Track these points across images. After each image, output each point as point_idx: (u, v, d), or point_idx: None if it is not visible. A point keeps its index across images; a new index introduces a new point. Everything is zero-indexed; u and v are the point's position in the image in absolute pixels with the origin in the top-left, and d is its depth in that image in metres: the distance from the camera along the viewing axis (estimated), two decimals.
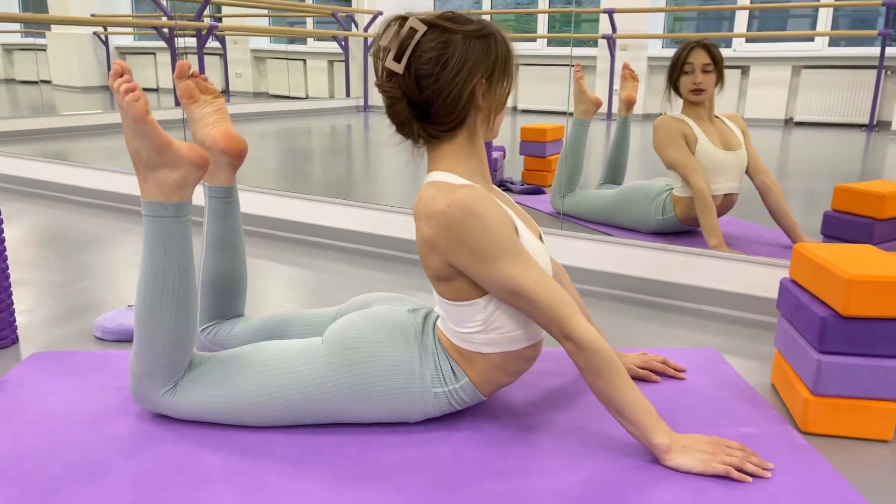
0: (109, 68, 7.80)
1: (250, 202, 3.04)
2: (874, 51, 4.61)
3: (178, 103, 1.67)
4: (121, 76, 1.30)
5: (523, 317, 1.34)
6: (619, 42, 5.06)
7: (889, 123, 4.61)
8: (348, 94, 6.68)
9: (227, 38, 7.04)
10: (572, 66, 2.98)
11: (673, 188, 2.67)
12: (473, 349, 1.36)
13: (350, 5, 6.62)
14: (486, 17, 1.35)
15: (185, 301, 1.36)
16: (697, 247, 2.28)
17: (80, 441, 1.35)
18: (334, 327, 1.42)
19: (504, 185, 3.58)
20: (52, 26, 8.14)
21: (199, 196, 1.75)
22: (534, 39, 5.63)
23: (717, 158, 2.57)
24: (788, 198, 2.59)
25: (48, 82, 8.07)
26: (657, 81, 2.79)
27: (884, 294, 1.35)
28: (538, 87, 5.37)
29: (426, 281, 2.39)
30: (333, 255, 2.73)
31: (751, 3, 5.13)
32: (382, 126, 1.38)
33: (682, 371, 1.69)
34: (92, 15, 7.43)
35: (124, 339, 1.87)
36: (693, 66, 2.56)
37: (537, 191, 3.48)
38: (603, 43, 5.07)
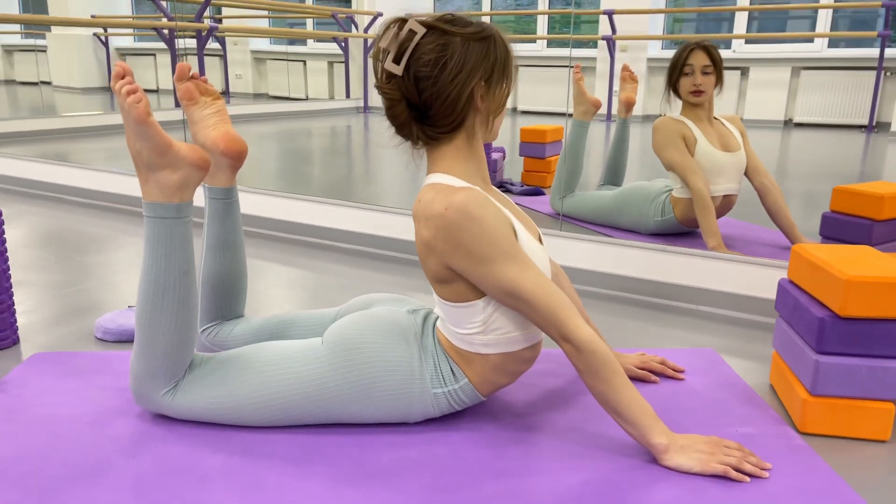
0: (109, 69, 7.83)
1: (250, 203, 3.04)
2: (873, 52, 4.61)
3: (178, 104, 1.68)
4: (122, 78, 1.30)
5: (522, 318, 1.34)
6: (618, 43, 5.06)
7: (888, 124, 4.61)
8: (348, 96, 6.68)
9: (227, 39, 7.05)
10: (572, 67, 2.99)
11: (672, 189, 2.68)
12: (473, 350, 1.37)
13: (350, 6, 6.62)
14: (486, 19, 1.36)
15: (186, 302, 1.36)
16: (696, 248, 2.29)
17: (80, 441, 1.36)
18: (334, 328, 1.43)
19: (504, 186, 3.59)
20: (53, 27, 8.14)
21: (199, 197, 1.76)
22: (533, 40, 5.63)
23: (717, 160, 2.57)
24: (788, 199, 2.59)
25: (48, 83, 8.07)
26: (657, 83, 2.80)
27: (881, 295, 1.35)
28: (538, 89, 5.37)
29: (426, 282, 2.40)
30: (333, 256, 2.74)
31: (750, 4, 5.14)
32: (382, 127, 1.39)
33: (681, 371, 1.70)
34: (92, 16, 7.43)
35: (125, 339, 1.88)
36: (693, 68, 2.57)
37: (537, 192, 3.48)
38: (602, 44, 5.07)
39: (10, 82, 8.58)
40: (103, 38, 8.08)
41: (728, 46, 5.16)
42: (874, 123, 4.64)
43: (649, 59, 5.11)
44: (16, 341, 1.85)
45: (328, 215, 2.91)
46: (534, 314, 1.28)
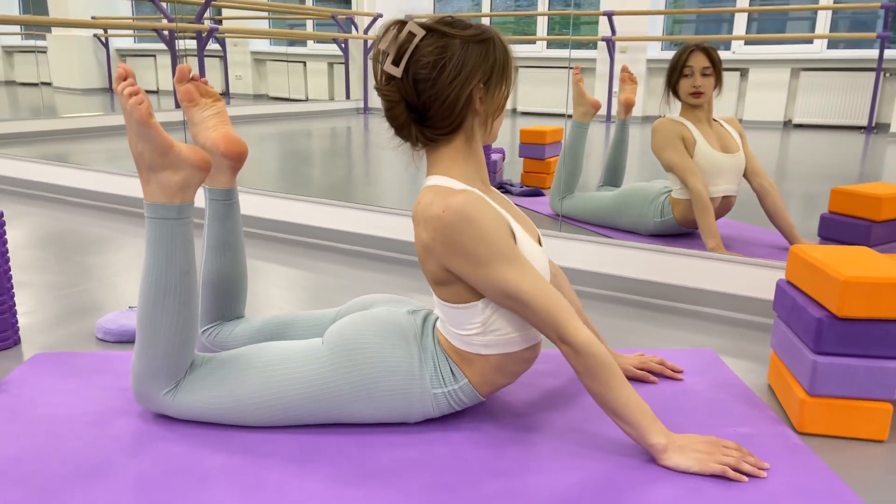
0: (110, 70, 7.83)
1: (250, 204, 3.05)
2: (873, 53, 4.62)
3: (178, 105, 1.68)
4: (125, 80, 1.31)
5: (521, 319, 1.35)
6: (618, 44, 5.07)
7: (888, 125, 4.62)
8: (348, 97, 6.69)
9: (227, 40, 7.05)
10: (571, 68, 2.99)
11: (671, 190, 2.68)
12: (472, 351, 1.38)
13: (350, 8, 6.63)
14: (486, 20, 1.37)
15: (187, 302, 1.37)
16: (695, 249, 2.29)
17: (82, 441, 1.36)
18: (334, 328, 1.43)
19: (503, 187, 3.59)
20: (53, 28, 8.14)
21: (199, 198, 1.77)
22: (533, 42, 5.63)
23: (716, 161, 2.58)
24: (787, 200, 2.60)
25: (48, 84, 8.07)
26: (656, 84, 2.80)
27: (878, 295, 1.36)
28: (537, 90, 5.38)
29: (425, 283, 2.40)
30: (333, 257, 2.74)
31: (750, 5, 5.14)
32: (382, 128, 1.39)
33: (680, 372, 1.71)
34: (92, 17, 7.43)
35: (125, 340, 1.88)
36: (692, 70, 2.57)
37: (536, 193, 3.49)
38: (602, 45, 5.07)
39: (10, 83, 8.58)
40: (103, 39, 8.08)
41: (728, 47, 5.16)
42: (873, 124, 4.64)
43: (649, 61, 5.11)
44: (17, 342, 1.86)
45: (328, 216, 2.92)
46: (532, 316, 1.29)
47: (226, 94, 7.00)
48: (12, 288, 1.84)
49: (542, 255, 1.39)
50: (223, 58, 6.99)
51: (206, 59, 5.18)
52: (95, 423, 1.43)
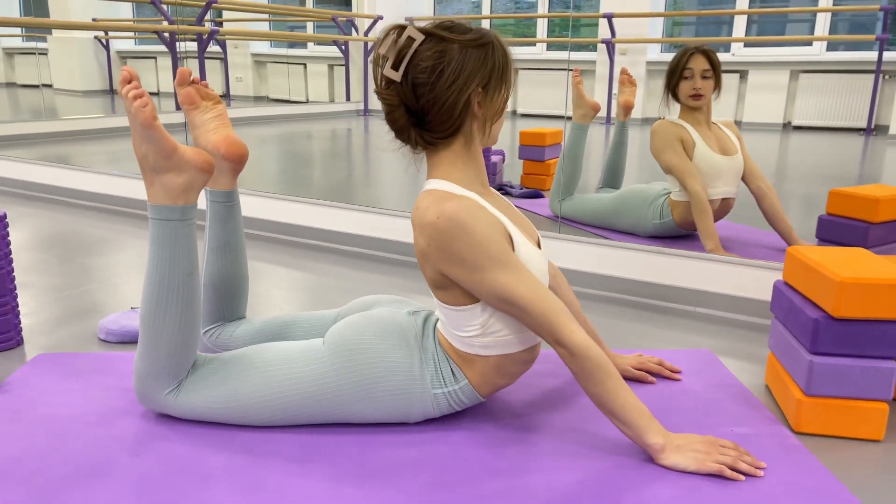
0: (110, 72, 7.82)
1: (251, 206, 3.06)
2: (872, 55, 4.63)
3: (178, 107, 1.70)
4: (129, 83, 1.32)
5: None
6: (617, 46, 5.08)
7: (887, 127, 4.63)
8: (348, 98, 6.70)
9: (227, 42, 7.07)
10: (571, 70, 3.01)
11: (670, 192, 2.69)
12: (472, 352, 1.39)
13: (350, 10, 6.64)
14: (486, 22, 1.38)
15: (190, 303, 1.38)
16: (694, 250, 2.30)
17: (84, 441, 1.38)
18: (335, 329, 1.44)
19: (503, 188, 3.61)
20: (54, 30, 8.15)
21: (200, 200, 1.78)
22: (533, 44, 5.64)
23: (715, 163, 2.59)
24: (786, 201, 2.61)
25: (49, 86, 8.09)
26: (656, 86, 2.81)
27: (874, 296, 1.37)
28: (537, 91, 5.39)
29: (426, 284, 2.41)
30: (334, 259, 2.75)
31: (749, 7, 5.15)
32: (382, 130, 1.40)
33: (678, 372, 1.72)
34: (93, 19, 7.45)
35: (127, 340, 1.89)
36: (693, 72, 2.58)
37: (536, 194, 3.50)
38: (602, 47, 5.09)
39: (10, 85, 8.60)
40: (104, 40, 8.10)
41: (727, 50, 5.17)
42: (872, 126, 4.66)
43: (648, 63, 5.12)
44: (20, 342, 1.87)
45: (328, 218, 2.93)
46: (528, 319, 1.30)
47: (226, 96, 7.01)
48: (15, 289, 1.85)
49: (540, 257, 1.40)
50: (224, 60, 7.00)
51: (206, 61, 5.19)
52: (97, 423, 1.44)
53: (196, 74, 1.62)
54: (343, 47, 6.62)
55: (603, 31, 5.08)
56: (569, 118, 3.00)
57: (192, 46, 5.17)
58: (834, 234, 2.12)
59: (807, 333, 1.44)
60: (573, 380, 1.67)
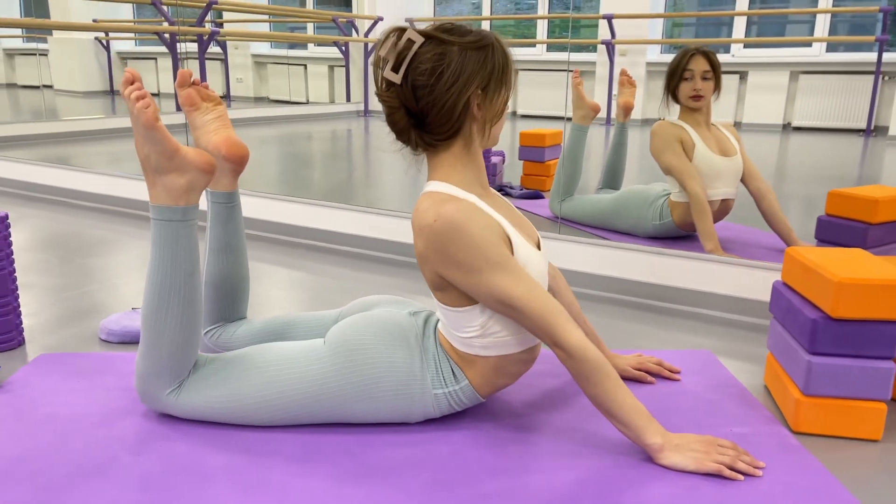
0: (111, 73, 7.82)
1: (252, 206, 3.07)
2: (871, 56, 4.64)
3: (179, 108, 1.70)
4: (132, 84, 1.33)
5: None
6: (617, 47, 5.09)
7: (886, 128, 4.64)
8: (349, 99, 6.72)
9: (227, 43, 7.08)
10: (571, 71, 3.01)
11: (670, 193, 2.70)
12: (473, 352, 1.39)
13: (351, 11, 6.65)
14: (486, 23, 1.38)
15: (192, 303, 1.39)
16: (693, 251, 2.31)
17: (86, 440, 1.38)
18: (336, 329, 1.45)
19: (503, 189, 3.61)
20: (54, 31, 8.16)
21: (201, 201, 1.78)
22: (533, 45, 5.65)
23: (715, 164, 2.60)
24: (786, 202, 2.61)
25: (50, 87, 8.10)
26: (656, 87, 2.82)
27: (872, 296, 1.37)
28: (537, 92, 5.40)
29: (426, 285, 2.42)
30: (334, 259, 2.76)
31: (749, 9, 5.16)
32: (383, 131, 1.41)
33: (678, 372, 1.72)
34: (94, 20, 7.46)
35: (128, 341, 1.90)
36: (693, 73, 2.59)
37: (536, 195, 3.51)
38: (602, 48, 5.10)
39: (11, 86, 8.61)
40: (105, 41, 8.11)
41: (727, 50, 5.18)
42: (872, 127, 4.67)
43: (648, 64, 5.13)
44: (21, 342, 1.88)
45: (329, 218, 2.93)
46: (525, 321, 1.31)
47: (226, 97, 7.02)
48: (17, 289, 1.85)
49: (539, 258, 1.41)
50: (224, 61, 7.01)
51: (206, 62, 5.20)
52: (99, 422, 1.45)
53: (196, 75, 1.63)
54: (343, 48, 6.64)
55: (603, 32, 5.10)
56: (569, 119, 3.01)
57: (193, 47, 5.18)
58: (833, 235, 2.12)
59: (805, 334, 1.44)
60: (573, 380, 1.68)
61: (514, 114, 5.44)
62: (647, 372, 1.70)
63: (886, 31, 4.63)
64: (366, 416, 1.41)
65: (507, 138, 4.52)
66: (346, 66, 6.64)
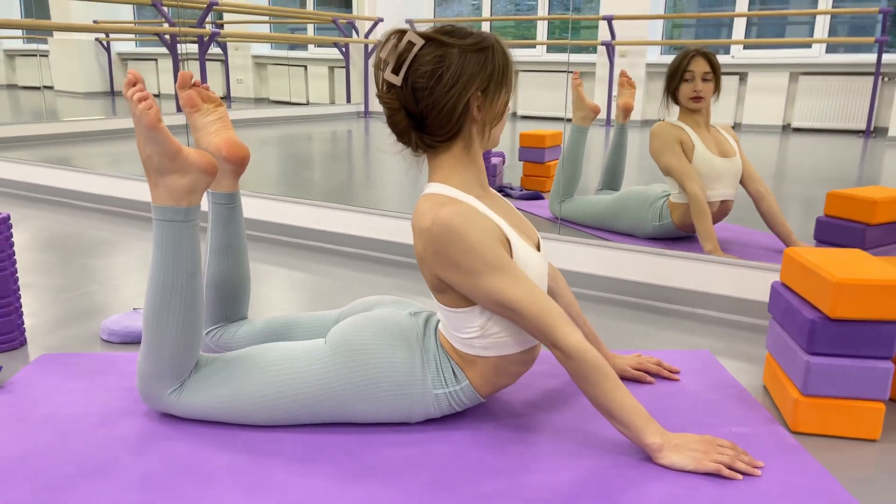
0: (111, 74, 7.83)
1: (253, 207, 3.07)
2: (871, 58, 4.65)
3: (179, 109, 1.71)
4: (134, 85, 1.34)
5: None
6: (617, 49, 5.10)
7: (886, 130, 4.65)
8: (349, 100, 6.72)
9: (228, 44, 7.08)
10: (571, 72, 3.02)
11: (670, 194, 2.70)
12: (473, 353, 1.40)
13: (351, 12, 6.66)
14: (486, 24, 1.39)
15: (193, 304, 1.39)
16: (693, 252, 2.31)
17: (88, 440, 1.39)
18: (337, 329, 1.45)
19: (503, 190, 3.62)
20: (55, 32, 8.17)
21: (202, 202, 1.79)
22: (533, 46, 5.66)
23: (714, 165, 2.60)
24: (786, 203, 2.62)
25: (50, 88, 8.11)
26: (656, 88, 2.82)
27: (870, 297, 1.38)
28: (537, 94, 5.41)
29: (426, 285, 2.42)
30: (335, 260, 2.77)
31: (749, 10, 5.17)
32: (383, 132, 1.42)
33: (677, 373, 1.73)
34: (94, 21, 7.47)
35: (130, 341, 1.91)
36: (693, 74, 2.59)
37: (536, 196, 3.51)
38: (602, 49, 5.10)
39: (12, 87, 8.62)
40: (105, 42, 8.12)
41: (727, 52, 5.19)
42: (871, 128, 4.67)
43: (648, 65, 5.14)
44: (23, 343, 1.88)
45: (329, 219, 2.94)
46: (523, 322, 1.31)
47: (227, 98, 7.03)
48: (18, 290, 1.86)
49: (539, 259, 1.41)
50: (224, 62, 7.02)
51: (207, 63, 5.21)
52: (100, 422, 1.46)
53: (197, 76, 1.63)
54: (343, 49, 6.64)
55: (603, 33, 5.10)
56: (568, 120, 3.02)
57: (193, 48, 5.19)
58: (832, 236, 2.13)
59: (804, 334, 1.45)
60: (572, 380, 1.68)
61: (514, 115, 5.45)
62: (646, 372, 1.71)
63: (886, 33, 4.64)
64: (366, 415, 1.42)
65: (507, 139, 4.53)
66: (347, 68, 6.65)
